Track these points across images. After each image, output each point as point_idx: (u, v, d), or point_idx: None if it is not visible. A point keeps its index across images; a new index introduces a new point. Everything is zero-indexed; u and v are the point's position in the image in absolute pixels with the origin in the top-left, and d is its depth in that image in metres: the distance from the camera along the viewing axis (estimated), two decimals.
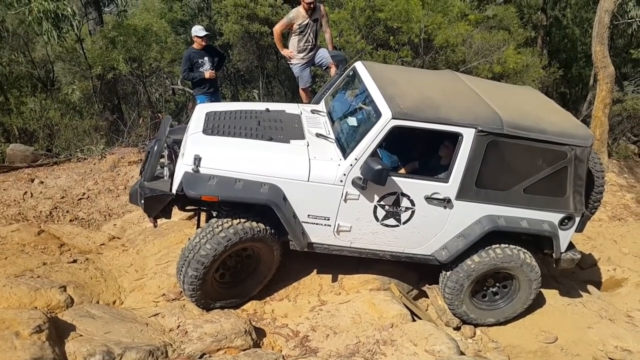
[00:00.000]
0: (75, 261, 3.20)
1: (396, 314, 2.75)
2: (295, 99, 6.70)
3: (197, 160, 2.51)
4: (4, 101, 6.97)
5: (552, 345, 3.04)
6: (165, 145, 2.77)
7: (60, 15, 5.92)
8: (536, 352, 3.00)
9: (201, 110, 3.08)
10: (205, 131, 2.76)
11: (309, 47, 4.41)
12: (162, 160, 2.78)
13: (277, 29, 4.40)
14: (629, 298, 3.73)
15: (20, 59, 7.49)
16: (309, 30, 4.34)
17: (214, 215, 2.80)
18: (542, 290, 3.47)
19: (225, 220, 2.57)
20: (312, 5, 4.21)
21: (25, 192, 4.50)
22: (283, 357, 2.42)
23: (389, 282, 3.09)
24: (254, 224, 2.59)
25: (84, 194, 4.61)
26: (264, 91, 7.47)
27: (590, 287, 3.77)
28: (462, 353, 2.61)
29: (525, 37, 8.39)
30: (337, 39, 6.13)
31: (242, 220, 2.57)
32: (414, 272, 3.28)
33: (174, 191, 2.61)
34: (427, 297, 3.26)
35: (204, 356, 2.32)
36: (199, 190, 2.47)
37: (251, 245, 2.66)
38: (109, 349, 2.07)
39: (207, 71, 4.54)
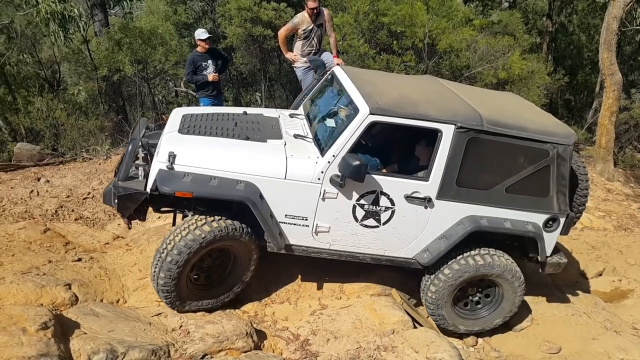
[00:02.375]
0: (80, 260, 3.23)
1: (397, 320, 2.74)
2: None
3: (172, 157, 2.48)
4: (12, 101, 7.06)
5: (556, 355, 3.00)
6: (141, 146, 2.73)
7: (67, 16, 6.00)
8: None
9: (177, 112, 3.06)
10: (180, 130, 2.73)
11: (313, 51, 4.45)
12: (137, 161, 2.74)
13: (282, 33, 4.44)
14: (635, 310, 3.66)
15: (28, 59, 7.58)
16: (313, 35, 4.38)
17: (189, 216, 2.72)
18: (546, 300, 3.47)
19: (182, 227, 2.49)
20: (315, 11, 4.25)
21: (32, 191, 4.55)
22: None
23: (390, 288, 3.09)
24: (214, 224, 2.48)
25: (89, 193, 4.66)
26: (266, 94, 7.51)
27: (594, 298, 3.73)
28: None
29: (531, 43, 8.38)
30: (341, 42, 6.16)
31: (200, 223, 2.47)
32: (415, 280, 3.25)
33: (148, 190, 2.57)
34: None
35: (206, 357, 2.33)
36: (173, 187, 2.42)
37: (218, 246, 2.57)
38: (113, 347, 2.09)
39: (210, 74, 4.60)
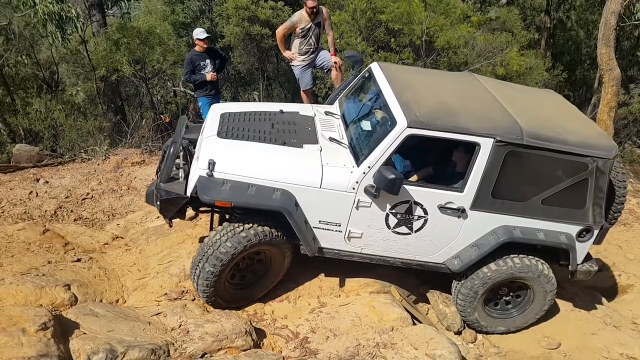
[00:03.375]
0: (79, 260, 3.23)
1: (396, 317, 2.76)
2: (295, 101, 6.73)
3: (212, 164, 2.53)
4: (11, 102, 7.05)
5: (555, 351, 3.01)
6: (181, 146, 2.80)
7: (64, 17, 5.99)
8: (538, 358, 2.98)
9: (216, 111, 3.09)
10: (219, 134, 2.78)
11: (311, 49, 4.44)
12: (177, 161, 2.81)
13: (280, 31, 4.43)
14: (634, 305, 3.67)
15: (26, 60, 7.57)
16: (311, 34, 4.37)
17: (227, 217, 2.83)
18: None
19: (228, 229, 2.59)
20: (314, 10, 4.24)
21: (31, 192, 4.55)
22: (283, 358, 2.44)
23: (389, 286, 3.10)
24: (273, 228, 2.61)
25: (88, 194, 4.66)
26: (265, 93, 7.50)
27: (594, 293, 3.74)
28: (463, 358, 2.60)
29: (529, 39, 8.36)
30: (338, 40, 6.15)
31: (262, 223, 2.60)
32: (414, 277, 3.27)
33: (188, 194, 2.64)
34: (427, 301, 3.25)
35: (205, 356, 2.34)
36: (213, 196, 2.49)
37: (266, 249, 2.69)
38: (112, 347, 2.10)
39: (208, 73, 4.59)
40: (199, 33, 4.59)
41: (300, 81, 4.62)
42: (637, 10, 7.98)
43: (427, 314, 3.19)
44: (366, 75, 3.19)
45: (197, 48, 4.63)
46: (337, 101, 3.32)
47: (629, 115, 7.80)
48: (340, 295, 3.02)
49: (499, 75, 6.49)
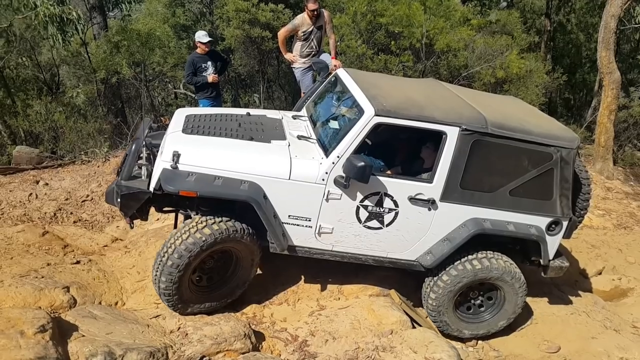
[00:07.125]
0: (78, 262, 3.23)
1: (396, 321, 2.74)
2: (295, 103, 6.75)
3: (176, 156, 2.45)
4: (11, 104, 7.08)
5: (555, 355, 3.00)
6: (144, 145, 2.71)
7: (65, 19, 6.03)
8: None
9: (181, 113, 3.06)
10: (184, 130, 2.72)
11: (312, 52, 4.47)
12: (140, 161, 2.72)
13: (282, 34, 4.45)
14: (634, 308, 3.66)
15: (27, 62, 7.59)
16: (313, 37, 4.39)
17: (192, 216, 2.70)
18: (545, 299, 3.46)
19: (183, 230, 2.47)
20: (316, 13, 4.26)
21: (31, 194, 4.56)
22: None
23: (389, 289, 3.08)
24: (215, 226, 2.46)
25: (87, 196, 4.66)
26: (265, 95, 7.52)
27: (594, 297, 3.72)
28: None
29: (529, 42, 8.37)
30: (339, 43, 6.17)
31: (200, 226, 2.45)
32: (414, 280, 3.25)
33: (151, 189, 2.55)
34: None
35: (204, 358, 2.34)
36: (177, 186, 2.40)
37: (220, 248, 2.55)
38: (111, 349, 2.10)
39: (209, 75, 4.61)
40: (202, 37, 4.61)
41: (301, 84, 4.63)
42: (637, 14, 8.02)
43: (426, 317, 3.18)
44: (332, 80, 3.21)
45: (198, 50, 4.66)
46: (304, 108, 3.33)
47: (629, 118, 7.81)
48: (339, 298, 3.02)
49: (499, 77, 6.50)
